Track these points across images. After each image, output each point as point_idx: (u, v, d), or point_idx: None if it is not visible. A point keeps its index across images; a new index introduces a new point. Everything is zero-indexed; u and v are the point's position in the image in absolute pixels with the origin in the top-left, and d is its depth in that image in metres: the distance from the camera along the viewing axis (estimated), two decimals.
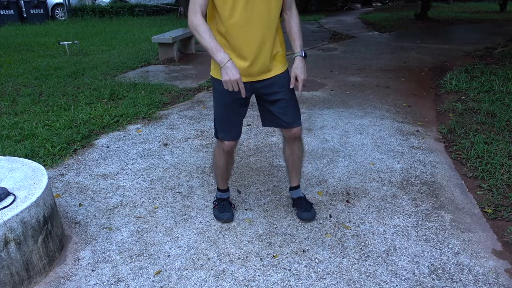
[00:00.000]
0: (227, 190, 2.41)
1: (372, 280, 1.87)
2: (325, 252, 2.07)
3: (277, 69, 2.02)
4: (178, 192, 2.67)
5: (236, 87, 1.78)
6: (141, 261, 2.03)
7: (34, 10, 13.00)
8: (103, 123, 3.86)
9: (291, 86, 2.01)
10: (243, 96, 1.83)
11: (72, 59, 6.94)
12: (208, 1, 1.83)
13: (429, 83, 5.33)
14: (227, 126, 2.08)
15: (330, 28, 11.35)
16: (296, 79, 2.00)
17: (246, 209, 2.46)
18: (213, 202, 2.44)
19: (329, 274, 1.92)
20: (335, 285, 1.85)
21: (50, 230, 1.96)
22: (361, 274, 1.91)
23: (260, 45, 1.90)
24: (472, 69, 5.72)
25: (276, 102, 2.06)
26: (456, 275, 1.90)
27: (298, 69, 1.97)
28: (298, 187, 2.42)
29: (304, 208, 2.34)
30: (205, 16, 1.84)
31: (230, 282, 1.88)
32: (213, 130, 2.18)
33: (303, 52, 2.00)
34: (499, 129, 3.54)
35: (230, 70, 1.75)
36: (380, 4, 22.11)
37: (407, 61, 6.66)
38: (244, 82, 1.98)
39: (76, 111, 4.17)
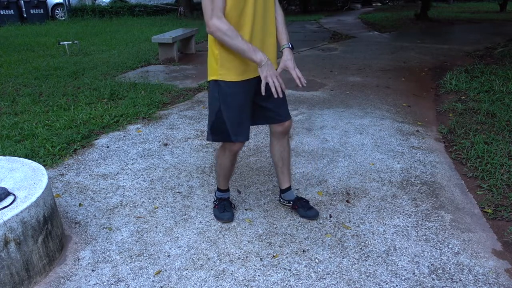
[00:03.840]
0: (227, 190, 2.41)
1: (372, 280, 1.87)
2: (325, 252, 2.07)
3: (274, 63, 2.04)
4: (178, 192, 2.67)
5: (276, 81, 1.84)
6: (141, 261, 2.03)
7: (34, 10, 13.01)
8: (103, 123, 3.86)
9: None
10: (279, 92, 1.88)
11: (72, 59, 6.94)
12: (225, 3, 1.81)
13: (429, 83, 5.33)
14: (242, 128, 2.04)
15: (330, 28, 11.35)
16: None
17: (246, 209, 2.46)
18: (213, 202, 2.44)
19: (329, 274, 1.92)
20: (335, 285, 1.85)
21: (50, 230, 1.96)
22: (361, 274, 1.91)
23: (263, 38, 1.96)
24: (472, 69, 5.72)
25: (271, 97, 2.08)
26: (456, 275, 1.90)
27: (289, 60, 1.97)
28: (290, 187, 2.42)
29: (307, 207, 2.34)
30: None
31: (230, 282, 1.88)
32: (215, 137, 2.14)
33: (290, 44, 2.02)
34: (499, 129, 3.54)
35: (271, 67, 1.83)
36: (380, 4, 22.12)
37: (407, 61, 6.66)
38: (253, 78, 2.01)
39: (76, 111, 4.17)
